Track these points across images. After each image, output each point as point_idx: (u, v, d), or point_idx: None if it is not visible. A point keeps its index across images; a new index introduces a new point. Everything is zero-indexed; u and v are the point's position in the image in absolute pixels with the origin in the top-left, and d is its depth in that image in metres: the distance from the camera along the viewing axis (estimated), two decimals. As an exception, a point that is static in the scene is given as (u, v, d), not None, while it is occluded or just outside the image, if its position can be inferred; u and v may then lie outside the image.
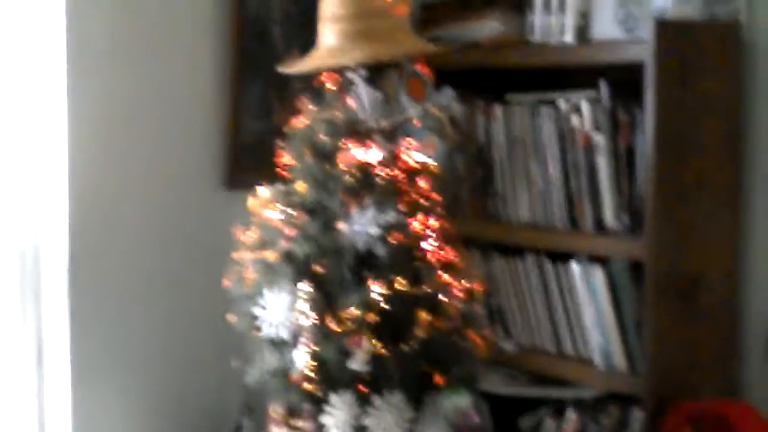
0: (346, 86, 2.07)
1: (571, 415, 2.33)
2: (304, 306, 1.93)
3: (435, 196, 2.07)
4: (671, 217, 2.20)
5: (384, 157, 2.02)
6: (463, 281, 2.06)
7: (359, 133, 2.03)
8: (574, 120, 2.31)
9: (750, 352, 2.34)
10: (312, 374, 1.94)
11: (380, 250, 1.95)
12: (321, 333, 1.94)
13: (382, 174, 2.00)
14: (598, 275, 2.27)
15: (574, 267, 2.31)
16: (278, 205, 2.03)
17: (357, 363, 1.92)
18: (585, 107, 2.29)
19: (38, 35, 2.30)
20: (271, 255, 2.00)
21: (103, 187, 2.33)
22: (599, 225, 2.30)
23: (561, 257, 2.36)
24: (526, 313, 2.45)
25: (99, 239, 2.33)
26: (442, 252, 2.05)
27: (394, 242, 1.95)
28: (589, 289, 2.29)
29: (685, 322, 2.23)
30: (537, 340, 2.44)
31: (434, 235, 2.04)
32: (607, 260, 2.27)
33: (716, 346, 2.30)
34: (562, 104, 2.33)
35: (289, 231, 1.99)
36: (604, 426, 2.27)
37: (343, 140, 2.01)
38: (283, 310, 1.97)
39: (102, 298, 2.34)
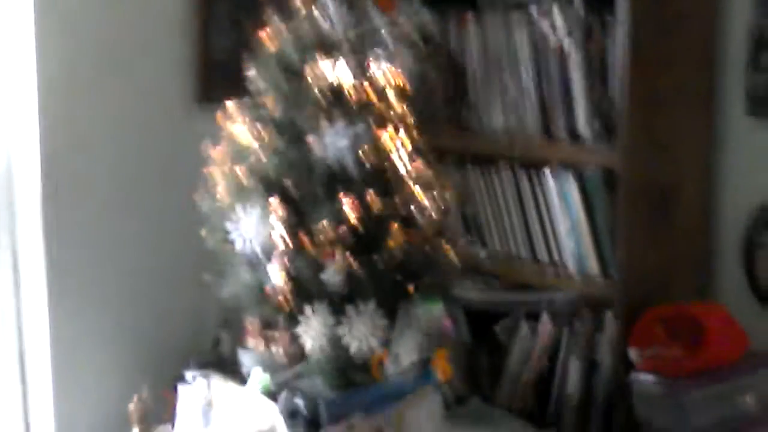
0: (316, 3, 2.05)
1: (546, 321, 2.37)
2: (275, 221, 1.95)
3: (405, 108, 2.07)
4: (644, 125, 2.19)
5: (353, 71, 2.01)
6: (435, 193, 2.08)
7: (327, 46, 2.02)
8: (546, 26, 2.29)
9: (724, 258, 2.36)
10: (286, 288, 1.97)
11: (351, 165, 1.96)
12: (294, 247, 1.96)
13: (351, 88, 1.99)
14: (572, 183, 2.28)
15: (548, 175, 2.32)
16: (248, 120, 2.04)
17: (330, 276, 1.95)
18: (557, 13, 2.26)
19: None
20: (241, 171, 2.02)
21: (74, 104, 2.32)
22: (573, 133, 2.30)
23: (535, 166, 2.37)
24: (501, 221, 2.47)
25: (71, 156, 2.33)
26: (413, 165, 2.06)
27: (365, 156, 1.96)
28: (562, 197, 2.30)
29: (658, 228, 2.25)
30: (512, 249, 2.46)
31: (405, 147, 2.05)
32: (580, 168, 2.28)
33: (690, 253, 2.32)
34: (534, 10, 2.31)
35: (258, 146, 2.00)
36: (579, 330, 2.32)
37: (311, 54, 2.00)
38: (255, 226, 1.99)
39: (75, 215, 2.35)
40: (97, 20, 2.33)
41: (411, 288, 2.03)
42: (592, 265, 2.28)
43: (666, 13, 2.19)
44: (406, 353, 2.04)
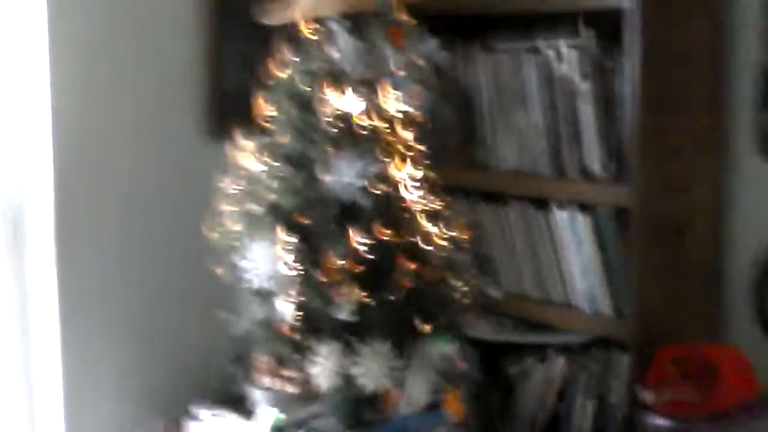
0: (327, 36, 2.06)
1: (559, 361, 2.35)
2: (288, 257, 1.94)
3: (418, 145, 2.07)
4: (656, 163, 2.20)
5: (366, 107, 2.01)
6: (447, 230, 2.07)
7: (341, 83, 2.02)
8: (558, 66, 2.30)
9: (735, 298, 2.36)
10: (297, 324, 1.96)
11: (364, 201, 1.95)
12: (306, 283, 1.94)
13: (365, 124, 1.99)
14: (584, 222, 2.28)
15: (559, 214, 2.32)
16: (261, 155, 2.03)
17: (342, 312, 1.93)
18: (569, 53, 2.27)
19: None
20: (254, 206, 2.01)
21: (86, 139, 2.32)
22: (584, 172, 2.30)
23: (547, 204, 2.37)
24: (513, 260, 2.46)
25: (83, 191, 2.33)
26: (425, 201, 2.06)
27: (377, 192, 1.96)
28: (574, 236, 2.30)
29: (670, 267, 2.25)
30: (523, 287, 2.45)
31: (418, 184, 2.05)
32: (592, 207, 2.28)
33: (702, 291, 2.32)
34: (547, 50, 2.32)
35: (272, 182, 1.99)
36: (592, 371, 2.30)
37: (324, 90, 2.00)
38: (268, 261, 1.97)
39: (87, 252, 2.34)
40: (108, 54, 2.34)
41: (423, 326, 2.01)
42: (605, 305, 2.27)
43: (675, 52, 2.21)
44: (418, 392, 2.02)
